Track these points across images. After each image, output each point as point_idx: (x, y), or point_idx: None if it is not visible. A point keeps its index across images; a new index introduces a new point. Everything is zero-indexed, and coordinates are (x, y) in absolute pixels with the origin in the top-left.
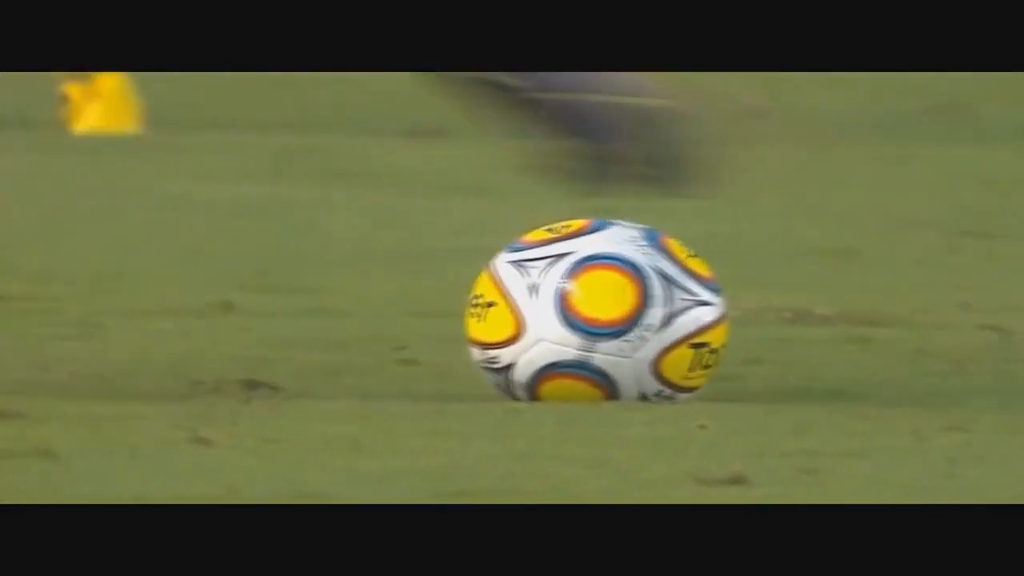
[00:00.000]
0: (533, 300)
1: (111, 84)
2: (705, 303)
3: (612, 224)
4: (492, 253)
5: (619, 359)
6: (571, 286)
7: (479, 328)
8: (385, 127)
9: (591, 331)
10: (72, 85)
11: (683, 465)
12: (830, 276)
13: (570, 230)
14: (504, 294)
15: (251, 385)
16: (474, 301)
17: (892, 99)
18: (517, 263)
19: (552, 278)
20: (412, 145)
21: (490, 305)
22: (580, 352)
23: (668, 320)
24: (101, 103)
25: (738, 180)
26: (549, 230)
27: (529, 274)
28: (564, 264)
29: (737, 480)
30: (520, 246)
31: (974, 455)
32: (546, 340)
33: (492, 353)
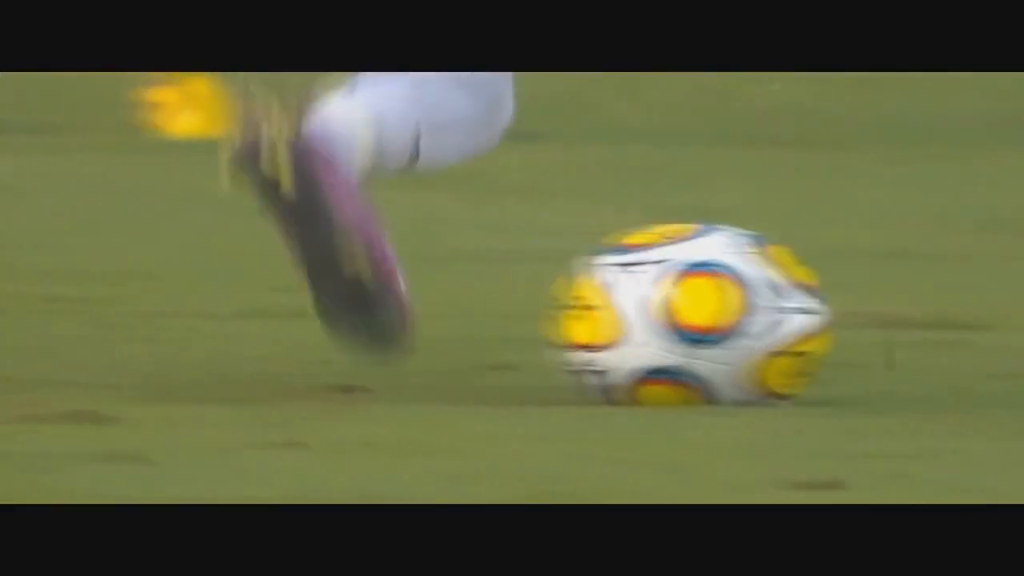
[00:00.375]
0: (635, 305)
1: (202, 87)
2: (808, 311)
3: (717, 230)
4: (587, 256)
5: (720, 366)
6: (674, 292)
7: (579, 330)
8: None
9: (692, 338)
10: (161, 88)
11: (777, 470)
12: (922, 280)
13: (675, 235)
14: (605, 297)
15: (342, 388)
16: (574, 303)
17: (977, 100)
18: (620, 267)
19: (655, 283)
20: (506, 147)
21: (591, 308)
22: (681, 359)
23: (771, 328)
24: (194, 106)
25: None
26: (654, 234)
27: (632, 278)
28: (668, 269)
29: (832, 484)
30: (623, 249)
31: None
32: (647, 345)
33: (591, 356)
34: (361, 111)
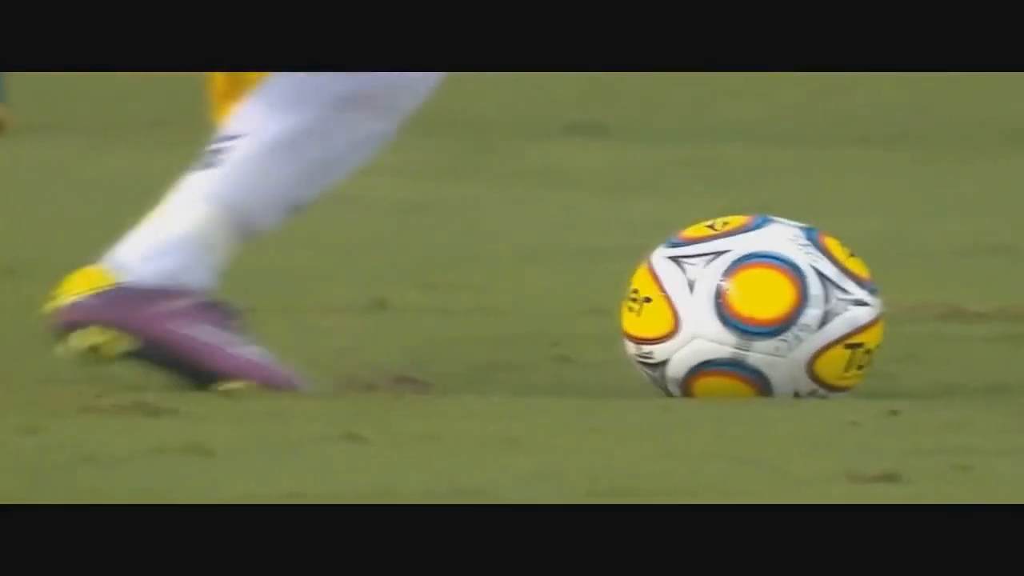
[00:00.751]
0: (690, 297)
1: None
2: (862, 303)
3: (772, 221)
4: (650, 250)
5: (774, 358)
6: (729, 284)
7: (635, 323)
8: (545, 125)
9: (747, 330)
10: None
11: (836, 462)
12: (985, 273)
13: (729, 227)
14: (661, 290)
15: (405, 381)
16: (631, 296)
17: None
18: (675, 259)
19: (710, 275)
20: (572, 143)
21: (647, 300)
22: (736, 350)
23: (825, 320)
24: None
25: (895, 179)
26: (709, 226)
27: (687, 270)
28: (722, 261)
29: (890, 477)
30: (679, 242)
31: None
32: (702, 337)
33: (647, 348)
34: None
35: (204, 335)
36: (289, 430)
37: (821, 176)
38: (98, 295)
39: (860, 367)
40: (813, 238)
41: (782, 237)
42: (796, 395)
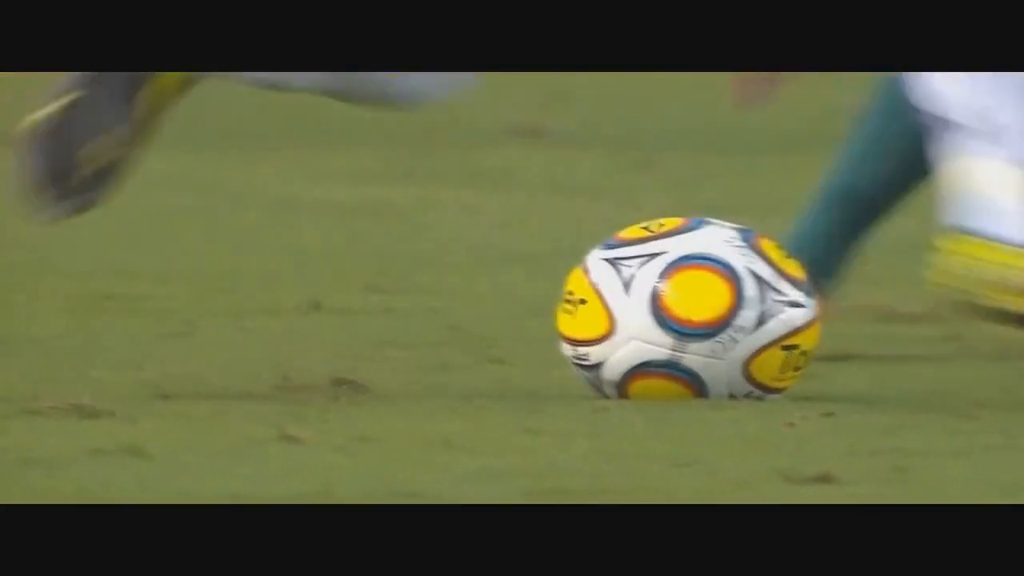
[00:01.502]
0: (626, 298)
1: None
2: (798, 305)
3: (708, 223)
4: (587, 252)
5: (710, 360)
6: (664, 285)
7: (570, 325)
8: (487, 128)
9: (683, 331)
10: None
11: (771, 463)
12: (921, 273)
13: (665, 229)
14: (596, 291)
15: (342, 384)
16: (566, 298)
17: None
18: (611, 261)
19: (646, 277)
20: (514, 146)
21: (582, 302)
22: (671, 352)
23: (761, 321)
24: None
25: None
26: (645, 228)
27: (622, 272)
28: (658, 263)
29: (826, 479)
30: (614, 243)
31: None
32: (637, 339)
33: (583, 350)
34: None
35: None
36: (226, 432)
37: (760, 179)
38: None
39: (796, 368)
40: (749, 240)
41: (718, 239)
42: (732, 396)
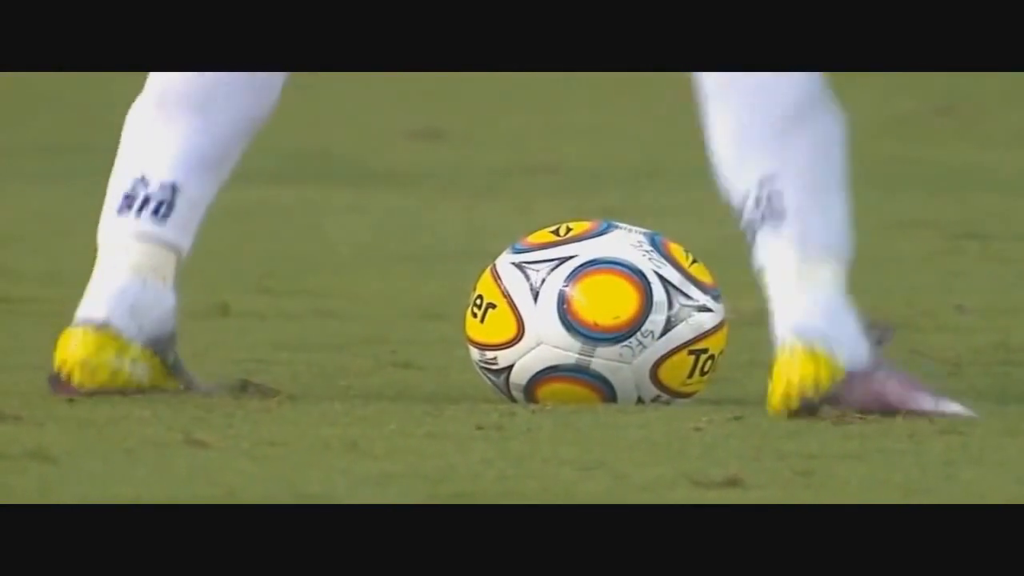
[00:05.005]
0: (534, 303)
1: None
2: (706, 309)
3: (616, 227)
4: (494, 255)
5: (619, 364)
6: (573, 290)
7: (478, 329)
8: (385, 129)
9: (591, 336)
10: None
11: (679, 467)
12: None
13: (574, 233)
14: (505, 295)
15: (246, 387)
16: (474, 302)
17: (894, 100)
18: (519, 265)
19: (554, 281)
20: (412, 147)
21: (491, 306)
22: (580, 356)
23: (669, 326)
24: None
25: None
26: (553, 232)
27: (531, 276)
28: (566, 267)
29: (733, 482)
30: (523, 248)
31: (971, 458)
32: (546, 344)
33: (491, 355)
34: None
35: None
36: (130, 435)
37: (665, 181)
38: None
39: (704, 372)
40: (657, 244)
41: (626, 243)
42: (640, 401)
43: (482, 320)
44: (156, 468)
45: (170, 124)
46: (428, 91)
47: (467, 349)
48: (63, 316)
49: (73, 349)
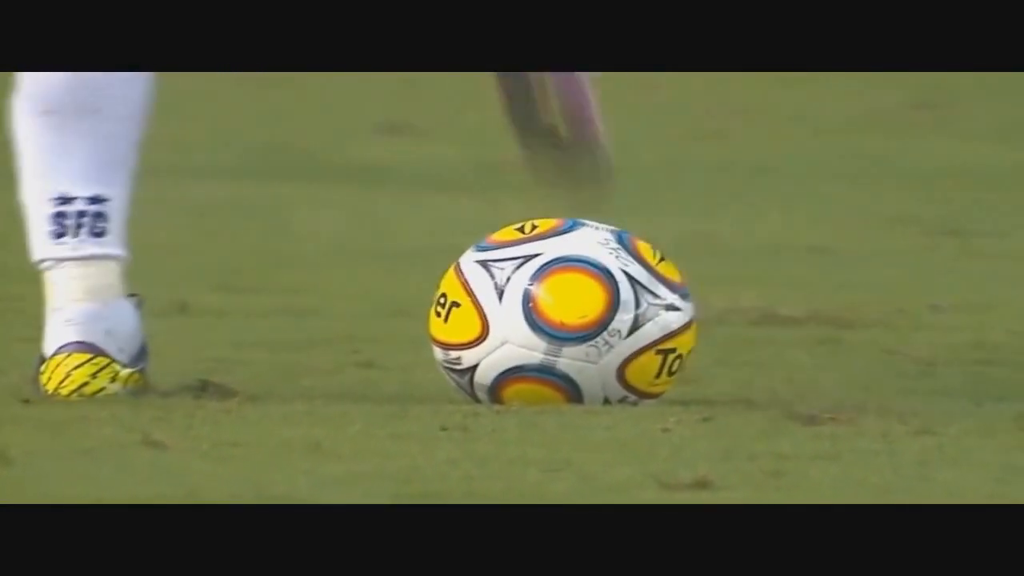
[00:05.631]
0: (499, 302)
1: None
2: (674, 308)
3: (582, 225)
4: (462, 251)
5: (585, 364)
6: (538, 289)
7: (442, 328)
8: (354, 124)
9: (557, 335)
10: None
11: (647, 469)
12: (800, 275)
13: (539, 231)
14: (470, 294)
15: (207, 387)
16: (438, 300)
17: (871, 96)
18: (484, 263)
19: (519, 280)
20: (381, 142)
21: (455, 305)
22: (545, 356)
23: (636, 325)
24: None
25: (710, 177)
26: (519, 229)
27: (495, 275)
28: (532, 265)
29: (702, 484)
30: (488, 246)
31: (945, 458)
32: (511, 343)
33: (455, 354)
34: None
35: None
36: (88, 436)
37: (633, 177)
38: None
39: (672, 373)
40: (624, 242)
41: (593, 241)
42: (606, 401)
43: (446, 319)
44: (115, 470)
45: (66, 132)
46: (395, 86)
47: (431, 348)
48: (17, 314)
49: (70, 379)
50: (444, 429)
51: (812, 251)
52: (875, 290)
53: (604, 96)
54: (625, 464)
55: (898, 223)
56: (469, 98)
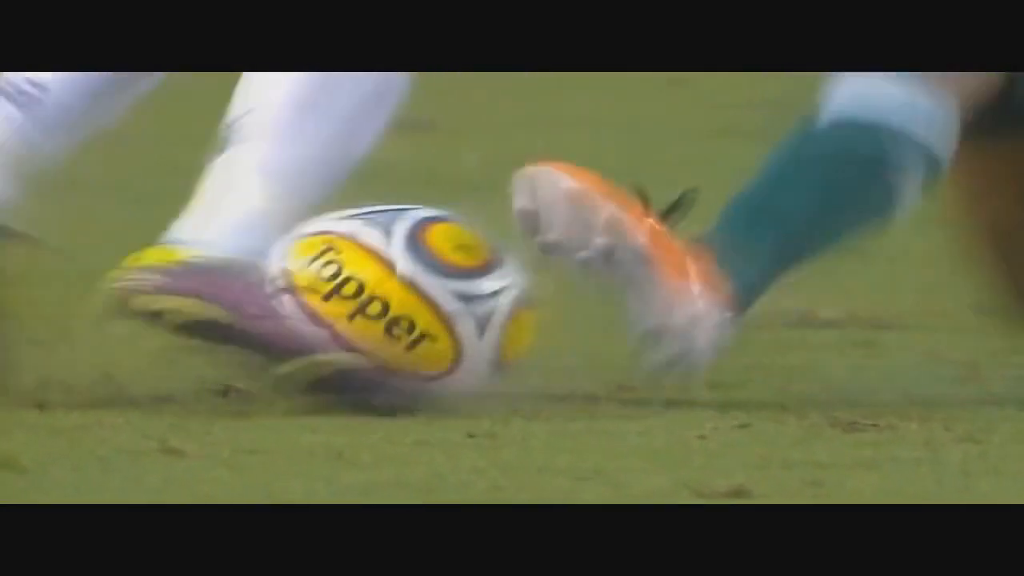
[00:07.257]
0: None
1: None
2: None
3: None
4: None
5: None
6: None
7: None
8: None
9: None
10: None
11: (681, 477)
12: (835, 276)
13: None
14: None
15: (228, 392)
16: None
17: None
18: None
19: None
20: (391, 138)
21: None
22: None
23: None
24: None
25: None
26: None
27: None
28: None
29: (739, 493)
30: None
31: (989, 467)
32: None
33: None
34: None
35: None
36: (103, 444)
37: (662, 174)
38: (170, 270)
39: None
40: (420, 252)
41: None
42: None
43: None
44: (130, 478)
45: None
46: (417, 81)
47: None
48: (29, 319)
49: None
50: (471, 436)
51: (848, 252)
52: (913, 291)
53: (625, 96)
54: (658, 472)
55: (934, 222)
56: (491, 94)
